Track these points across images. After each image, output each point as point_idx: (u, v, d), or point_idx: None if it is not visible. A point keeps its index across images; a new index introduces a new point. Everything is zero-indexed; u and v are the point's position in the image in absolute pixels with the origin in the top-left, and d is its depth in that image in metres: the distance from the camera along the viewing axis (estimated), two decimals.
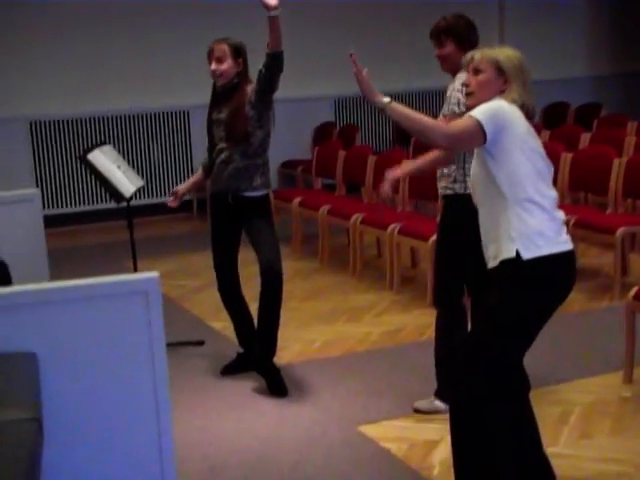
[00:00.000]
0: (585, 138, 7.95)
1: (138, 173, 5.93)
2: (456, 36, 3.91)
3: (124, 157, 6.07)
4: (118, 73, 9.13)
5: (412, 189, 6.65)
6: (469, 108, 3.16)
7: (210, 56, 4.48)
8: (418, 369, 4.65)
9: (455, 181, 3.92)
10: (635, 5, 11.47)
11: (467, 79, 3.16)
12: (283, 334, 5.03)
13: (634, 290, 4.41)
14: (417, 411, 4.19)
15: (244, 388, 4.59)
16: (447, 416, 3.14)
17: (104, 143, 5.54)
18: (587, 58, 11.26)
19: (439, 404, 4.13)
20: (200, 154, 9.49)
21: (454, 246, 3.98)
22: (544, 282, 3.02)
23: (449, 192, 3.96)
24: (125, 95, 9.15)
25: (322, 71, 9.77)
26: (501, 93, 3.08)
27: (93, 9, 8.97)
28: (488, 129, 2.93)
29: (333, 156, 7.77)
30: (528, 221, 2.99)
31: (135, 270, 5.23)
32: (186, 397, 4.44)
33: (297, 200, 7.42)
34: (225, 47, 4.45)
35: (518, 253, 2.98)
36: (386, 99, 3.03)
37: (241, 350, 4.85)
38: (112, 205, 8.72)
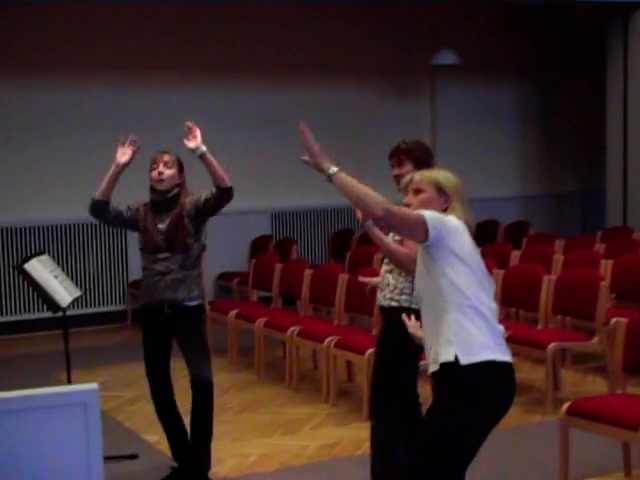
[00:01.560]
0: (515, 255, 8.12)
1: (75, 283, 5.86)
2: (415, 158, 4.05)
3: (61, 267, 6.00)
4: (54, 182, 9.09)
5: (348, 302, 6.68)
6: None
7: (156, 162, 4.52)
8: None
9: (402, 293, 3.95)
10: (560, 132, 11.93)
11: (409, 199, 3.22)
12: (218, 447, 4.93)
13: (566, 405, 4.45)
14: None
15: None
16: None
17: (42, 252, 5.48)
18: (516, 179, 11.62)
19: None
20: (135, 265, 9.49)
21: (395, 360, 3.98)
22: (482, 389, 3.00)
23: (394, 304, 3.97)
24: (63, 204, 9.11)
25: (260, 185, 9.89)
26: (444, 211, 3.15)
27: (28, 113, 8.99)
28: (431, 230, 2.94)
29: (269, 269, 7.79)
30: (468, 327, 3.00)
31: (69, 381, 5.11)
32: None
33: (233, 312, 7.39)
34: (172, 156, 4.54)
35: (456, 357, 2.98)
36: (334, 168, 2.97)
37: (175, 464, 4.74)
38: (44, 314, 8.60)
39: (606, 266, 7.19)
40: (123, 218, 4.64)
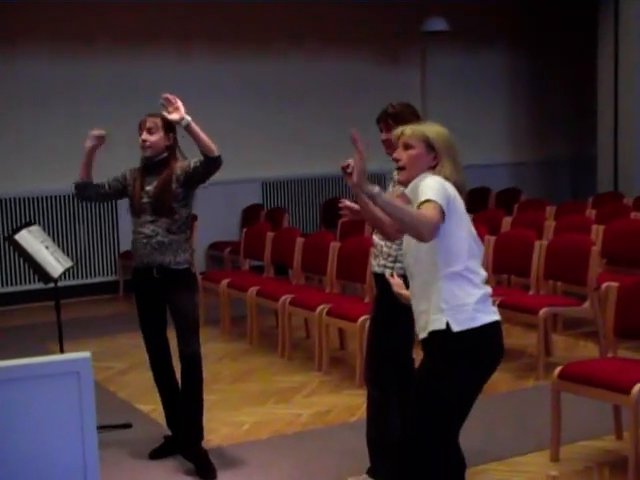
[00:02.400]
0: (507, 222, 8.13)
1: (66, 254, 5.84)
2: (403, 122, 3.99)
3: (52, 238, 5.99)
4: (45, 153, 9.05)
5: (340, 270, 6.69)
6: (401, 183, 3.21)
7: (141, 127, 4.48)
8: (349, 450, 4.61)
9: (396, 261, 3.96)
10: (551, 98, 11.91)
11: (397, 154, 3.18)
12: (212, 416, 4.96)
13: (558, 370, 4.47)
14: None
15: (173, 472, 4.48)
16: None
17: (32, 223, 5.46)
18: (507, 145, 11.61)
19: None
20: (126, 236, 9.47)
21: (389, 325, 3.99)
22: (473, 353, 3.04)
23: (389, 271, 3.97)
24: (52, 176, 9.07)
25: (250, 154, 9.85)
26: (432, 169, 3.12)
27: (20, 87, 8.94)
28: (445, 208, 2.95)
29: (261, 238, 7.78)
30: (459, 294, 3.02)
31: (62, 352, 5.11)
32: None
33: (225, 281, 7.39)
34: (158, 120, 4.44)
35: (448, 325, 3.00)
36: (376, 188, 2.90)
37: (168, 433, 4.75)
38: (35, 286, 8.59)
39: (597, 231, 7.21)
40: (107, 192, 4.69)
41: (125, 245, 9.43)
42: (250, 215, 9.87)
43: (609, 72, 10.41)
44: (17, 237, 5.06)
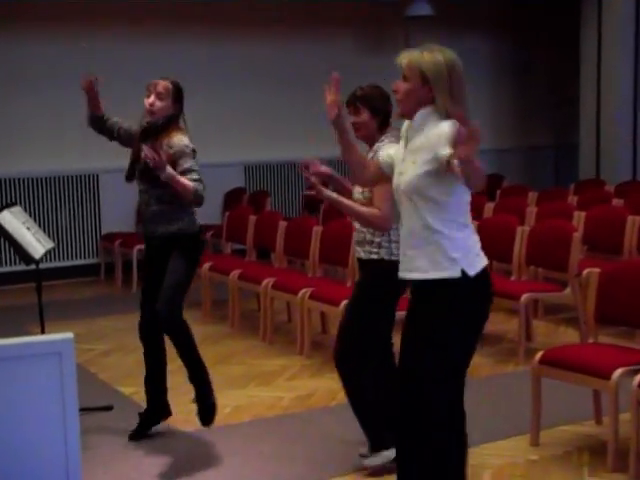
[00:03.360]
0: (489, 207, 8.15)
1: (47, 236, 5.80)
2: (371, 105, 4.00)
3: (33, 219, 5.95)
4: (26, 135, 9.00)
5: (322, 254, 6.68)
6: (401, 115, 3.17)
7: (150, 89, 4.33)
8: (330, 434, 4.62)
9: (380, 247, 3.98)
10: (534, 85, 11.93)
11: (396, 85, 3.13)
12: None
13: (539, 355, 4.49)
14: (368, 469, 4.13)
15: (154, 454, 4.48)
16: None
17: (13, 204, 5.42)
18: (490, 131, 11.61)
19: (386, 453, 4.07)
20: (108, 218, 9.43)
21: (374, 303, 4.01)
22: (484, 295, 3.12)
23: (374, 256, 4.00)
24: (34, 157, 9.02)
25: (233, 137, 9.82)
26: (431, 103, 3.04)
27: (2, 70, 8.87)
28: None
29: (243, 221, 7.77)
30: (466, 241, 3.07)
31: (43, 334, 5.08)
32: (96, 463, 4.30)
33: (207, 265, 7.37)
34: (170, 86, 4.33)
35: (463, 272, 3.02)
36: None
37: (142, 409, 4.72)
38: (17, 268, 8.54)
39: (579, 218, 7.23)
40: (118, 136, 4.60)
41: (107, 227, 9.40)
42: (232, 199, 9.84)
43: (592, 60, 10.43)
44: None
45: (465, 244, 3.07)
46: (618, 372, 4.11)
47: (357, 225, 4.11)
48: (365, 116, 4.01)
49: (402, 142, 3.25)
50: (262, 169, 10.27)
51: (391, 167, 3.31)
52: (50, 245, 5.30)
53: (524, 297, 5.93)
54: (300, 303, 6.21)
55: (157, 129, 4.34)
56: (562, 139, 12.05)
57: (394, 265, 3.37)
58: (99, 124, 4.62)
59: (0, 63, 8.84)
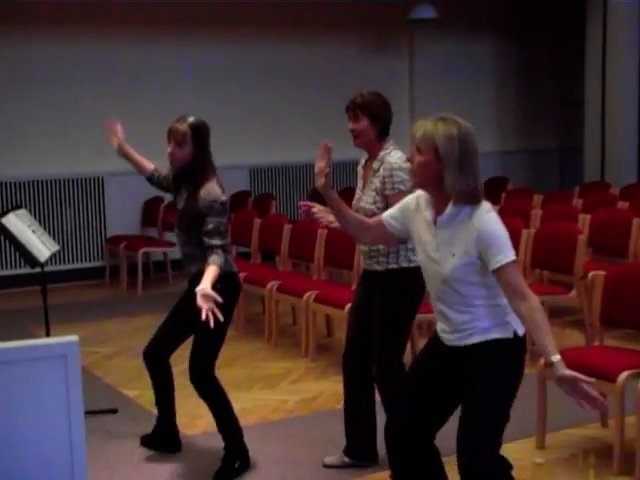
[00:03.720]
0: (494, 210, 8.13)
1: (53, 239, 5.81)
2: (371, 113, 3.99)
3: (39, 222, 5.96)
4: (31, 137, 9.01)
5: (327, 257, 6.68)
6: (414, 186, 3.16)
7: (169, 137, 4.15)
8: (334, 437, 4.60)
9: (399, 255, 3.99)
10: (539, 87, 11.92)
11: (410, 154, 3.08)
12: (198, 402, 4.92)
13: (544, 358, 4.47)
14: (327, 466, 4.27)
15: (159, 458, 4.47)
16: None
17: (19, 207, 5.43)
18: (494, 134, 11.61)
19: (348, 460, 4.24)
20: (113, 221, 9.43)
21: (405, 320, 4.06)
22: (524, 353, 3.19)
23: (393, 266, 4.00)
24: (39, 160, 9.03)
25: (238, 140, 9.82)
26: (441, 177, 2.98)
27: (7, 71, 8.88)
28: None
29: (248, 224, 7.76)
30: (506, 308, 3.08)
31: (48, 336, 5.08)
32: (101, 467, 4.30)
33: None
34: (187, 131, 4.11)
35: (515, 333, 3.07)
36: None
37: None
38: (22, 271, 8.55)
39: (584, 220, 7.22)
40: (164, 186, 4.53)
41: (112, 230, 9.40)
42: (238, 201, 9.82)
43: (597, 62, 10.42)
44: (4, 220, 5.03)
45: (509, 308, 3.08)
46: (624, 375, 4.09)
47: (369, 262, 4.14)
48: (364, 123, 4.00)
49: (414, 214, 3.18)
50: (267, 172, 10.27)
51: (397, 226, 3.27)
52: (55, 248, 5.30)
53: None
54: (305, 306, 6.20)
55: (185, 175, 4.20)
56: (567, 142, 12.03)
57: (414, 272, 3.43)
58: (153, 183, 4.56)
59: (4, 64, 8.85)
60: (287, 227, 7.24)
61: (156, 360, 4.43)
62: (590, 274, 6.14)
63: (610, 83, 10.30)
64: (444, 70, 10.98)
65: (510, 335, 3.08)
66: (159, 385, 4.50)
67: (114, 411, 5.13)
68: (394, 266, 4.00)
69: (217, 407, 4.31)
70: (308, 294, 6.19)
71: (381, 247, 4.01)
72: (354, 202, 4.15)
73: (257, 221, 7.69)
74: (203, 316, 3.68)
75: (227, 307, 4.06)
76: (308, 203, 3.78)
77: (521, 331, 3.10)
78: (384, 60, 10.84)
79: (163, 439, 4.55)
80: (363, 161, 4.18)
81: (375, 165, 4.02)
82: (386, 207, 3.89)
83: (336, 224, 3.63)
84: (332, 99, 10.09)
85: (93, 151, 9.02)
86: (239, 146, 9.83)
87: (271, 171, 10.27)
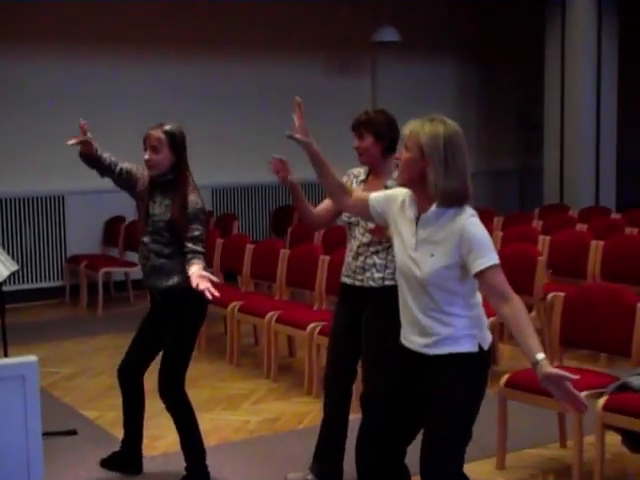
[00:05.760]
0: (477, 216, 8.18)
1: (11, 257, 5.74)
2: (375, 130, 3.98)
3: None
4: None
5: (289, 277, 6.67)
6: (402, 185, 3.17)
7: (145, 143, 4.13)
8: (296, 457, 4.59)
9: (393, 271, 3.79)
10: (500, 109, 12.06)
11: (399, 153, 3.16)
12: (158, 423, 4.91)
13: (505, 378, 4.51)
14: None
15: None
16: None
17: None
18: None
19: (312, 478, 4.19)
20: (74, 240, 9.35)
21: (380, 343, 3.95)
22: (489, 366, 3.18)
23: (389, 283, 3.91)
24: None
25: (201, 159, 9.75)
26: (425, 176, 3.00)
27: None
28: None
29: (210, 244, 7.69)
30: (483, 317, 3.12)
31: (6, 356, 5.02)
32: None
33: None
34: (162, 136, 4.09)
35: (480, 347, 3.07)
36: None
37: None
38: None
39: (543, 242, 7.29)
40: (116, 177, 4.26)
41: (72, 249, 9.32)
42: None
43: (555, 85, 10.57)
44: None
45: (478, 322, 3.10)
46: (582, 395, 4.11)
47: (358, 250, 4.04)
48: (368, 141, 3.98)
49: (399, 210, 3.18)
50: (230, 192, 10.25)
51: (378, 210, 3.26)
52: (14, 267, 5.24)
53: (490, 320, 5.92)
54: (267, 326, 6.18)
55: (165, 184, 4.15)
56: (527, 163, 12.17)
57: None
58: (90, 163, 4.25)
59: None
60: (249, 247, 7.23)
61: (130, 378, 4.40)
62: (550, 295, 6.20)
63: (569, 105, 10.44)
64: (407, 91, 11.06)
65: (475, 349, 3.07)
66: (130, 405, 4.46)
67: (73, 432, 5.07)
68: (391, 282, 3.88)
69: (184, 423, 4.29)
70: (270, 314, 6.17)
71: (378, 261, 3.97)
72: (344, 219, 4.09)
73: (219, 241, 7.67)
74: (208, 296, 3.78)
75: (196, 320, 4.20)
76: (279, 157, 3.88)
77: (486, 345, 3.10)
78: (346, 82, 10.90)
79: (125, 461, 4.50)
80: (360, 174, 4.13)
81: (390, 184, 3.92)
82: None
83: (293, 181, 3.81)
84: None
85: (53, 169, 8.95)
86: (202, 166, 9.71)
87: (234, 191, 10.25)
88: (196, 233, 4.12)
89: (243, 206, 10.37)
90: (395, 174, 3.96)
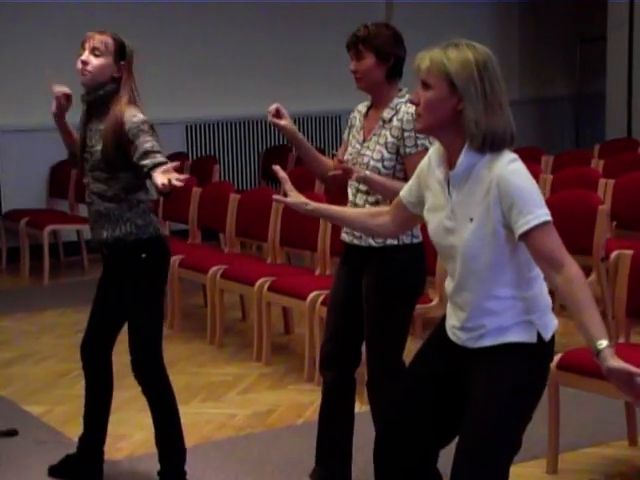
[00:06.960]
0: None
1: None
2: (377, 48, 3.93)
3: None
4: None
5: (284, 235, 6.67)
6: (418, 132, 3.18)
7: (84, 45, 4.09)
8: (295, 459, 4.62)
9: None
10: (549, 19, 11.96)
11: (414, 95, 3.01)
12: (123, 418, 4.95)
13: (556, 359, 4.49)
14: None
15: None
16: None
17: None
18: None
19: None
20: (11, 191, 9.36)
21: (404, 305, 4.02)
22: (549, 363, 3.18)
23: (393, 242, 3.95)
24: None
25: (171, 91, 9.75)
26: (458, 115, 2.92)
27: None
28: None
29: (185, 195, 7.70)
30: (540, 297, 3.07)
31: None
32: None
33: None
34: (109, 41, 4.07)
35: (539, 336, 3.04)
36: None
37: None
38: None
39: (605, 187, 7.27)
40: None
41: (9, 203, 9.31)
42: None
43: None
44: None
45: (537, 303, 3.07)
46: None
47: (358, 199, 4.05)
48: (369, 62, 3.93)
49: (427, 175, 3.13)
50: (208, 129, 10.22)
51: (414, 202, 3.22)
52: None
53: None
54: (257, 296, 6.19)
55: (101, 100, 4.11)
56: (584, 88, 12.10)
57: (418, 250, 3.65)
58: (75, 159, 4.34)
59: None
60: (234, 198, 7.21)
61: (96, 356, 4.43)
62: (613, 254, 6.17)
63: (638, 17, 10.34)
64: (433, 4, 11.01)
65: (533, 339, 3.03)
66: (95, 391, 4.47)
67: (13, 433, 5.08)
68: (394, 241, 3.93)
69: (164, 410, 4.33)
70: (261, 281, 6.18)
71: None
72: (345, 158, 4.09)
73: (196, 190, 7.66)
74: (176, 183, 3.62)
75: (158, 277, 4.24)
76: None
77: (548, 333, 3.06)
78: None
79: (81, 465, 4.51)
80: (363, 109, 4.12)
81: (386, 114, 3.94)
82: (395, 167, 3.90)
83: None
84: (286, 43, 10.08)
85: None
86: (172, 98, 9.76)
87: (213, 127, 10.22)
88: (147, 145, 3.96)
89: (225, 146, 10.35)
90: (395, 101, 3.94)
